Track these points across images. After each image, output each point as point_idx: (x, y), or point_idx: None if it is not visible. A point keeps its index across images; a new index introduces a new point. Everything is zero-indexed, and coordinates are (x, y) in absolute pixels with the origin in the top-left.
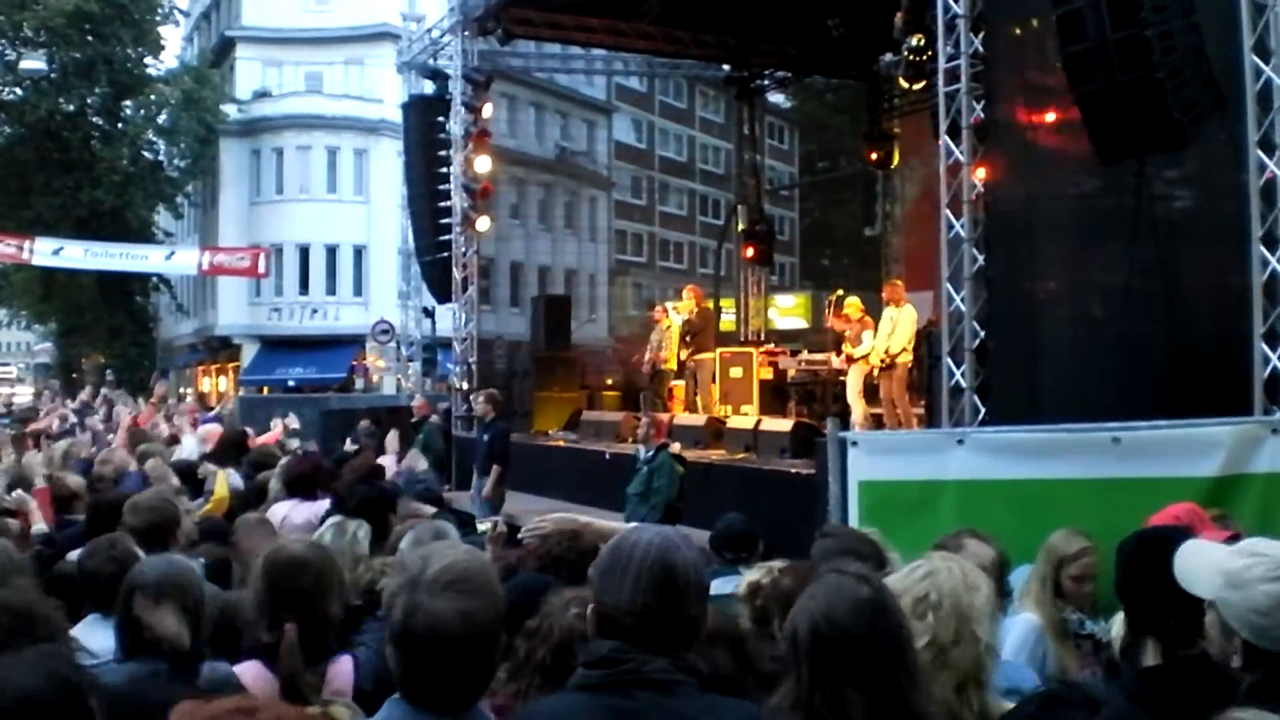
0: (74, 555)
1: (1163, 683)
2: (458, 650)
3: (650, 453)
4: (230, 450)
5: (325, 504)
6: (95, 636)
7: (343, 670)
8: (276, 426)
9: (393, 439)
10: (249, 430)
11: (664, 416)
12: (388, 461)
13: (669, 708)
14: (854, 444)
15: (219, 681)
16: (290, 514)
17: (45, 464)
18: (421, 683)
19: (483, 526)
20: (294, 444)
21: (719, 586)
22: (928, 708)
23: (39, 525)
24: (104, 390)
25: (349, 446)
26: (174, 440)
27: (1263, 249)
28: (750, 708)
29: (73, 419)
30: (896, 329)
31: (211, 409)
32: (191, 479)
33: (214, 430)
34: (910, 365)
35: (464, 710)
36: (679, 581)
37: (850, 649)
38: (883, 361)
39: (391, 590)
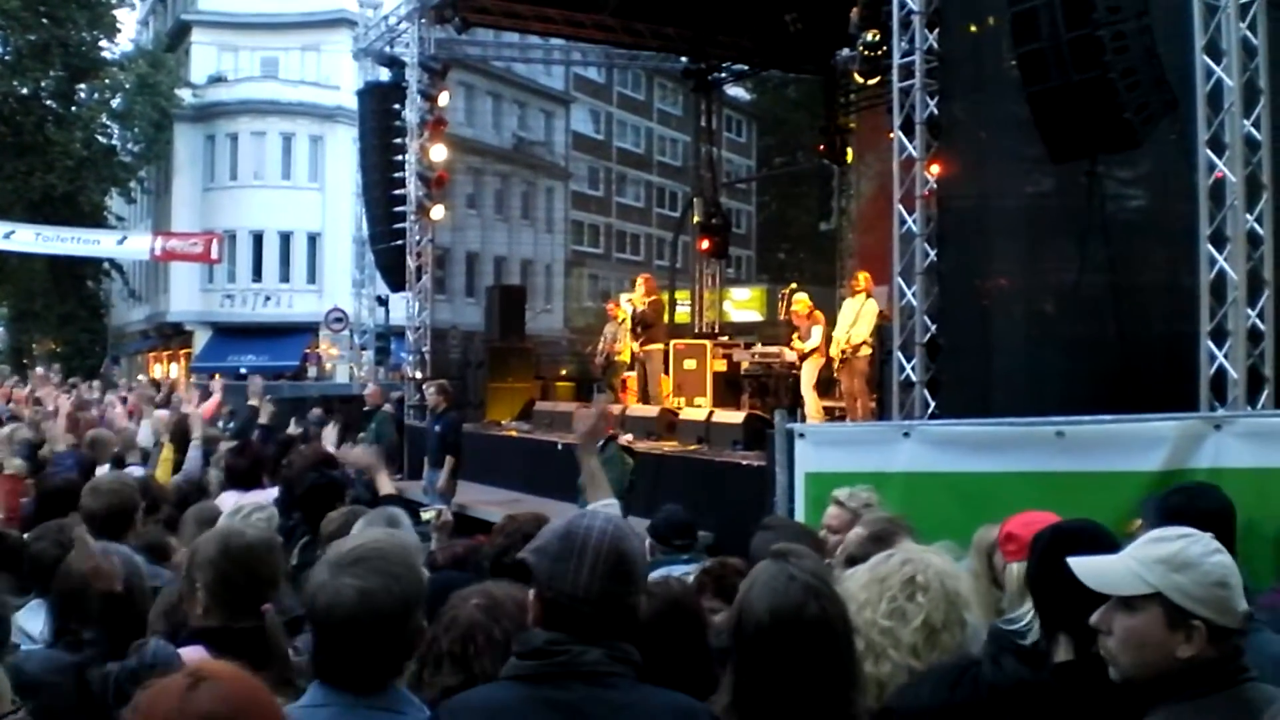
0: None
1: (1077, 678)
2: (357, 629)
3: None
4: (179, 435)
5: (272, 493)
6: (35, 620)
7: None
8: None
9: (330, 432)
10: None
11: (613, 408)
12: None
13: (605, 699)
14: (801, 436)
15: (164, 661)
16: (237, 504)
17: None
18: (330, 661)
19: (427, 515)
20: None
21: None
22: (863, 709)
23: None
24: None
25: (294, 430)
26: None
27: (1210, 248)
28: (683, 698)
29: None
30: (859, 320)
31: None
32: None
33: (165, 416)
34: (870, 358)
35: (378, 690)
36: (634, 568)
37: (789, 647)
38: (843, 352)
39: (312, 571)
